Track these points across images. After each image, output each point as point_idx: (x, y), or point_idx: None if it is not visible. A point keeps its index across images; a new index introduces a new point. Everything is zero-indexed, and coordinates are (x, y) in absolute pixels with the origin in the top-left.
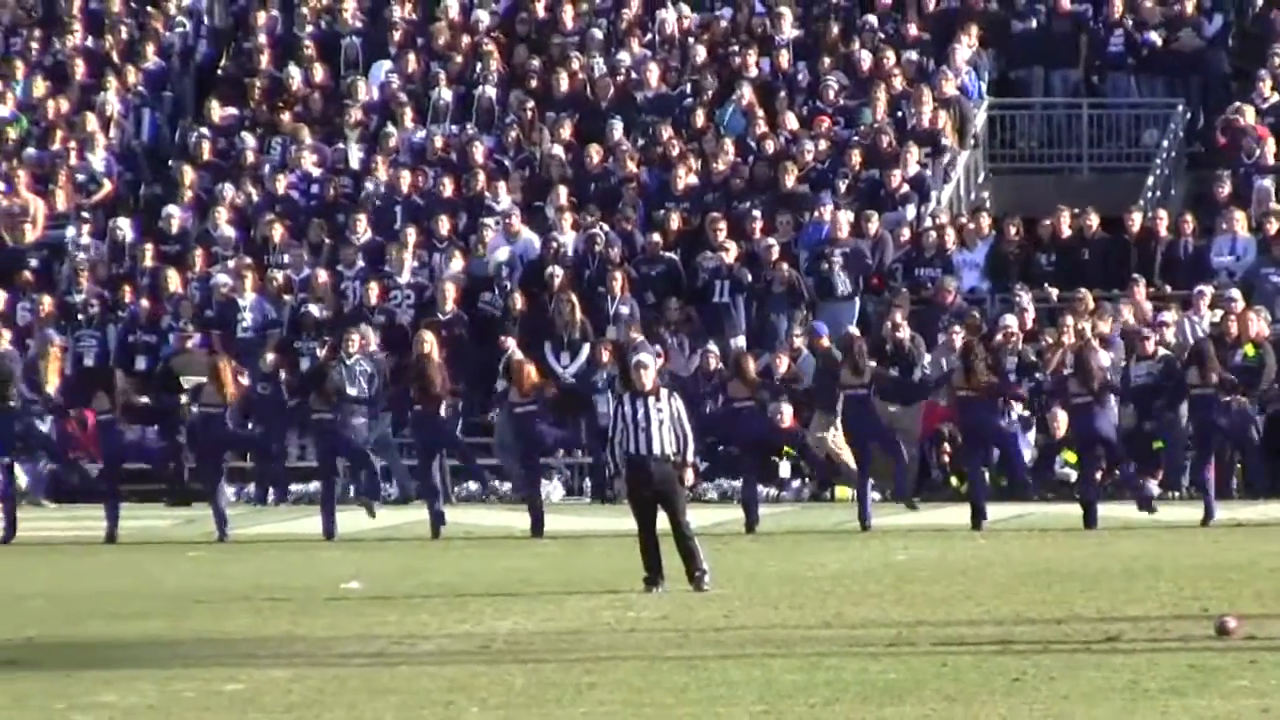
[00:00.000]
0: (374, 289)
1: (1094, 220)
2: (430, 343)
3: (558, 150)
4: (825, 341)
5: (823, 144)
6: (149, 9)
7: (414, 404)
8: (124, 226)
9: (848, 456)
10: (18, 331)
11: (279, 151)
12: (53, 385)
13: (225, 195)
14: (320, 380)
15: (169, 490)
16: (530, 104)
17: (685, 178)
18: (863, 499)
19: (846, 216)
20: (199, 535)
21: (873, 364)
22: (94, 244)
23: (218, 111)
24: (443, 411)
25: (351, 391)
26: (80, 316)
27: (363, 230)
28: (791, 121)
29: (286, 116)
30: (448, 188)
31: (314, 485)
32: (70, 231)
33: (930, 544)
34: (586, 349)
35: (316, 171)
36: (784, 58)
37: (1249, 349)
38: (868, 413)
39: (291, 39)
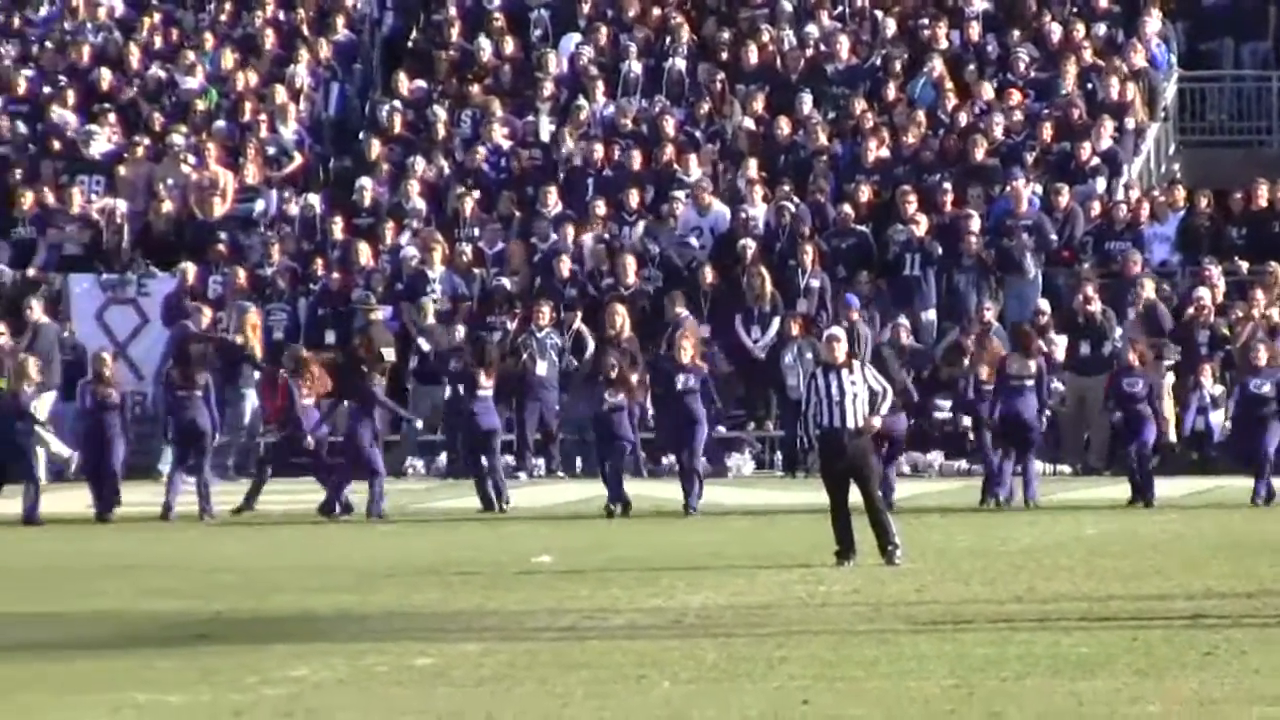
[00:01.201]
0: (565, 262)
1: None
2: (622, 315)
3: (748, 123)
4: (855, 314)
5: (1015, 116)
6: None
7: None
8: (314, 200)
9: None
10: (212, 305)
11: (469, 124)
12: (257, 356)
13: (416, 168)
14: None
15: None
16: (720, 76)
17: (876, 150)
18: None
19: (1032, 190)
20: (390, 509)
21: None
22: (283, 216)
23: (406, 84)
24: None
25: (542, 365)
26: (269, 290)
27: (553, 203)
28: (986, 92)
29: (476, 89)
30: (637, 160)
31: (508, 459)
32: (260, 205)
33: (1120, 518)
34: (777, 322)
35: (507, 144)
36: (974, 30)
37: None
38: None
39: (481, 11)
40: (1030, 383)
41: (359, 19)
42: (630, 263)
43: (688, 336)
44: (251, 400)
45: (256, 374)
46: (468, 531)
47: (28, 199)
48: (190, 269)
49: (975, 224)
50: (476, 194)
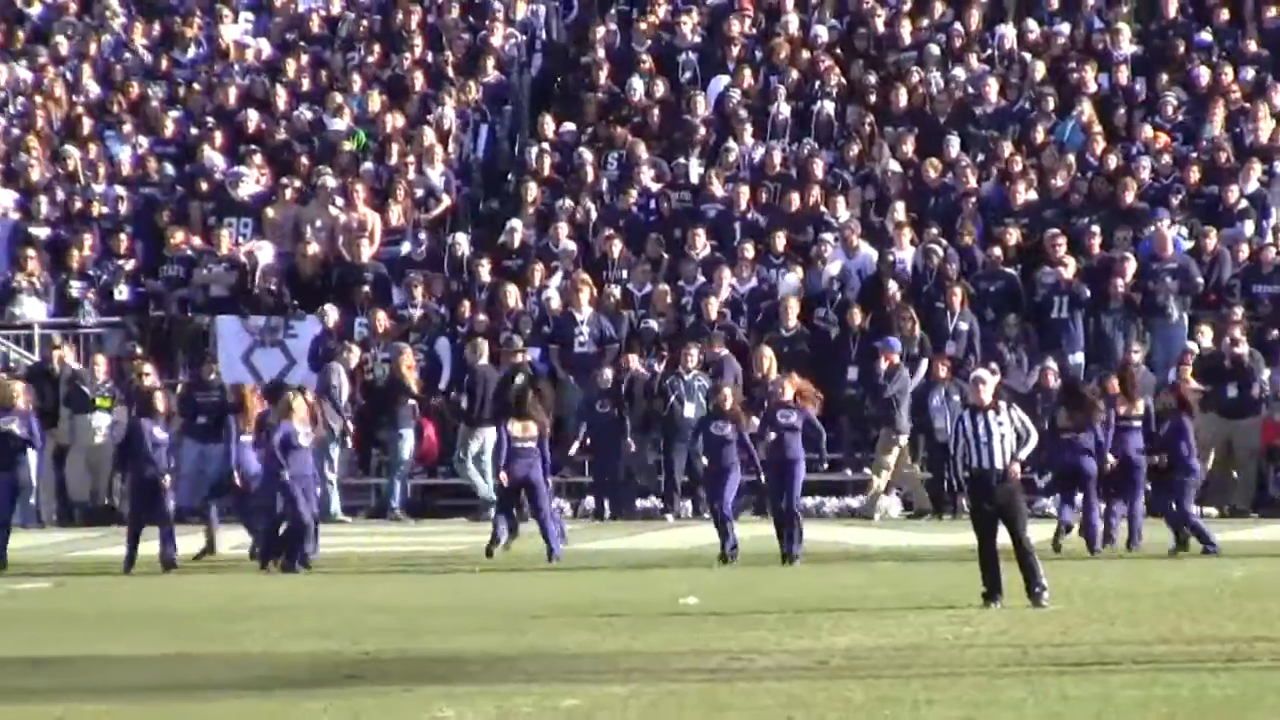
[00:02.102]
0: (713, 304)
1: None
2: (769, 358)
3: (895, 165)
4: (895, 357)
5: (1163, 159)
6: (486, 23)
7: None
8: (461, 241)
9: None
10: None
11: (616, 166)
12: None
13: (564, 210)
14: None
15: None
16: (870, 119)
17: (1024, 193)
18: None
19: (1177, 233)
20: (535, 551)
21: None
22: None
23: (553, 126)
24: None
25: (689, 407)
26: (411, 332)
27: (701, 245)
28: (1138, 134)
29: (621, 131)
30: (789, 203)
31: (654, 501)
32: (407, 247)
33: (1269, 561)
34: (925, 364)
35: (655, 186)
36: (1123, 73)
37: None
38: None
39: (629, 54)
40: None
41: (508, 61)
42: (793, 305)
43: (790, 379)
44: (409, 440)
45: (415, 411)
46: (615, 573)
47: (178, 238)
48: (332, 311)
49: (1130, 266)
50: (623, 237)
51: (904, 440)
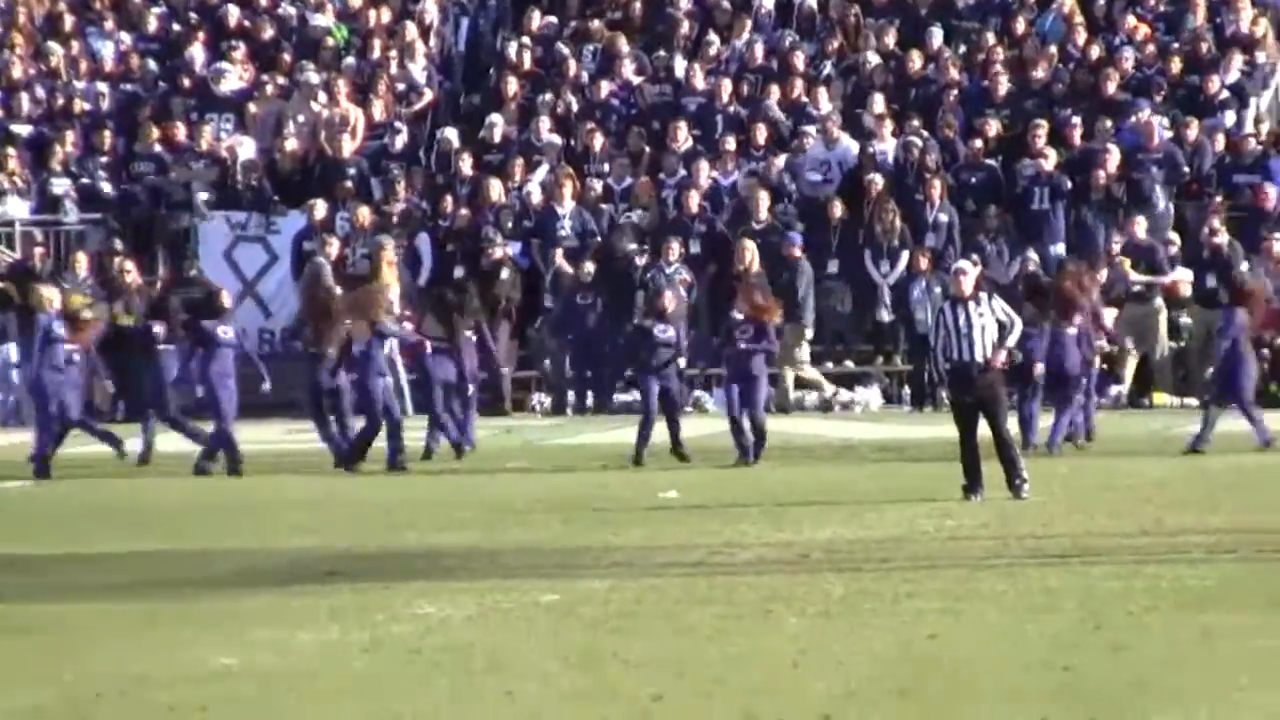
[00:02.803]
0: (693, 197)
1: None
2: (751, 251)
3: (875, 57)
4: (796, 250)
5: (1146, 49)
6: None
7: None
8: (451, 135)
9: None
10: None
11: (595, 60)
12: (395, 291)
13: (545, 104)
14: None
15: (486, 400)
16: (854, 10)
17: (1005, 84)
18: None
19: (1162, 123)
20: (517, 446)
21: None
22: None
23: (537, 20)
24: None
25: (670, 301)
26: (395, 228)
27: (683, 138)
28: (1119, 25)
29: (598, 24)
30: (770, 95)
31: (635, 394)
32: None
33: (1251, 452)
34: (905, 256)
35: (636, 80)
36: None
37: None
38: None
39: None
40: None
41: None
42: (764, 198)
43: (745, 297)
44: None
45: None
46: (594, 468)
47: (153, 135)
48: (320, 206)
49: (1114, 158)
50: (604, 130)
51: (809, 333)
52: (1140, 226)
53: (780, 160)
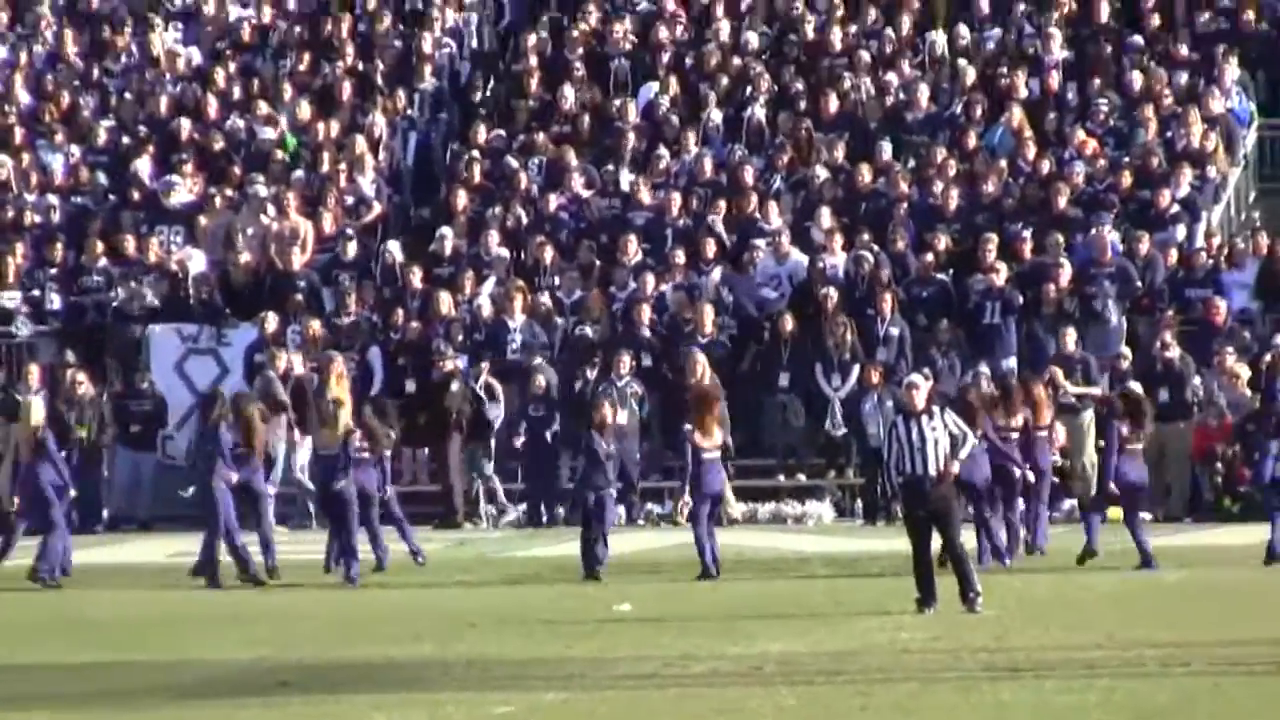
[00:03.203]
0: (645, 311)
1: None
2: (702, 364)
3: (824, 171)
4: (699, 365)
5: (1098, 164)
6: (416, 31)
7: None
8: (394, 249)
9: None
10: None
11: (542, 173)
12: (345, 409)
13: (495, 217)
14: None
15: (440, 513)
16: (805, 125)
17: (956, 199)
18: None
19: (1114, 237)
20: (470, 558)
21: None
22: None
23: (483, 134)
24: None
25: (622, 414)
26: (344, 340)
27: (633, 251)
28: (1070, 139)
29: (542, 138)
30: (719, 209)
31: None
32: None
33: (1204, 567)
34: (856, 370)
35: (586, 193)
36: (1054, 78)
37: None
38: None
39: (560, 61)
40: (1015, 436)
41: (438, 70)
42: (708, 311)
43: (699, 423)
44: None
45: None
46: (548, 581)
47: (98, 249)
48: (271, 318)
49: (1066, 272)
50: (554, 243)
51: None
52: (1070, 338)
53: (717, 274)
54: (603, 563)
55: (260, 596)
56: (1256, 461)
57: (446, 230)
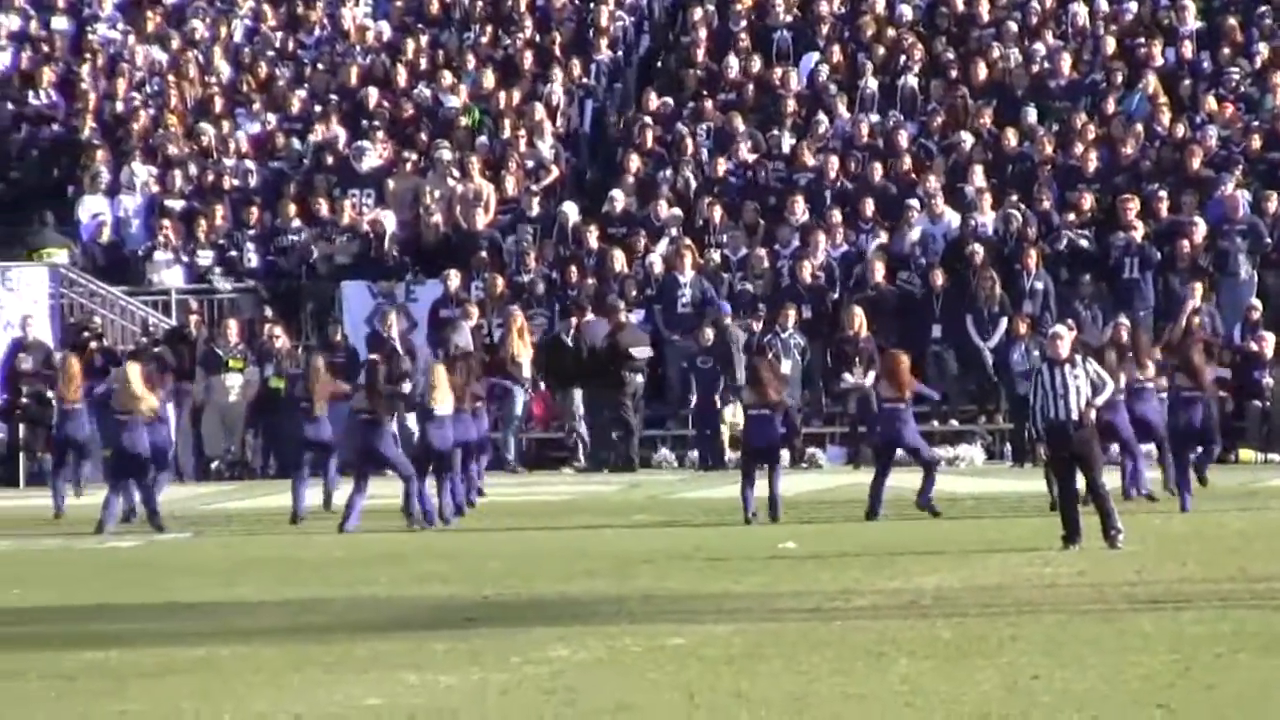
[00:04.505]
0: (806, 266)
1: None
2: (859, 317)
3: (973, 136)
4: (726, 320)
5: (1227, 129)
6: (593, 4)
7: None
8: (570, 210)
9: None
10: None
11: (711, 138)
12: (525, 359)
13: (665, 179)
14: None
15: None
16: (958, 91)
17: (1095, 161)
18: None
19: (1245, 196)
20: (643, 500)
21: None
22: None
23: (654, 102)
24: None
25: (786, 364)
26: (527, 295)
27: (800, 212)
28: (1202, 105)
29: (709, 105)
30: (875, 172)
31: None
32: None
33: None
34: (1005, 322)
35: (751, 157)
36: (1187, 48)
37: None
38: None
39: (727, 33)
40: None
41: (614, 41)
42: (879, 266)
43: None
44: (520, 397)
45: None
46: (718, 521)
47: (292, 211)
48: (454, 276)
49: (1200, 229)
50: (722, 204)
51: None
52: (1198, 292)
53: (916, 232)
54: (777, 511)
55: (446, 536)
56: None
57: (616, 192)
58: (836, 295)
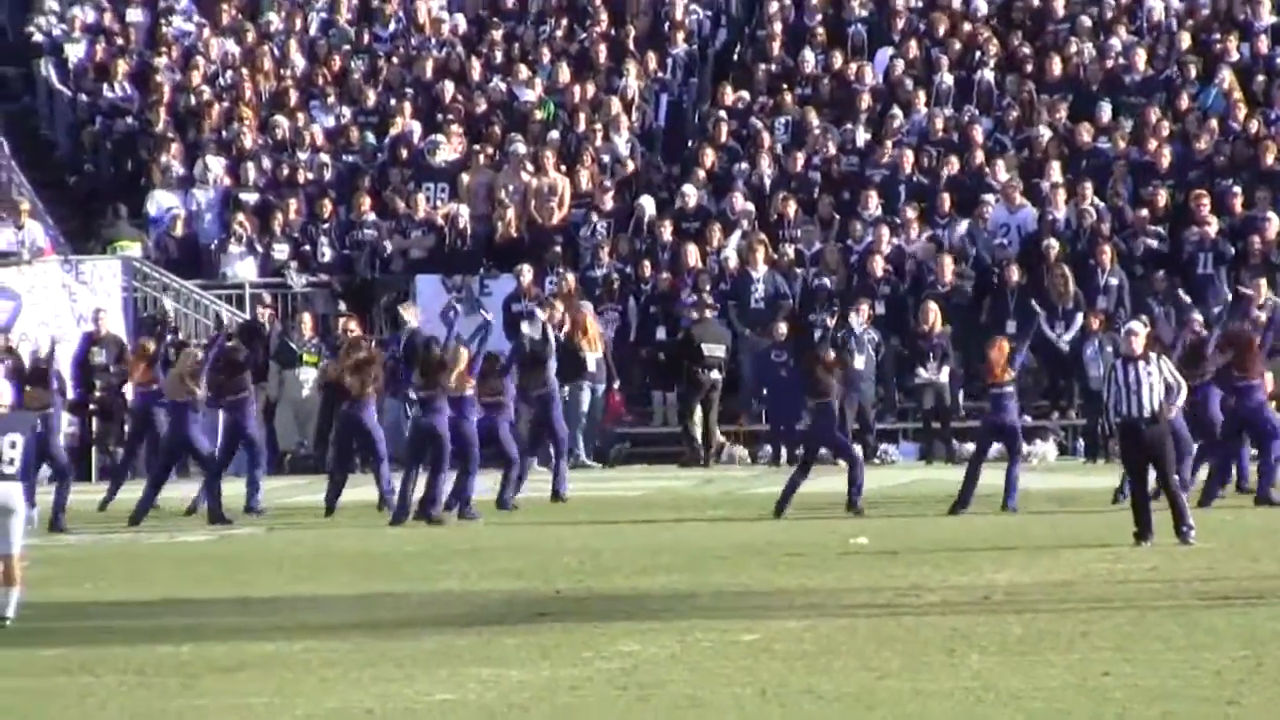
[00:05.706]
0: (879, 261)
1: None
2: (934, 313)
3: (1048, 131)
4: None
5: None
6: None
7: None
8: (646, 204)
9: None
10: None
11: (788, 132)
12: (593, 355)
13: (740, 173)
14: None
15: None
16: (1029, 87)
17: (1169, 156)
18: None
19: None
20: (716, 495)
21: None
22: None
23: (730, 95)
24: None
25: (859, 359)
26: (600, 291)
27: (874, 206)
28: (1277, 101)
29: (789, 99)
30: (950, 166)
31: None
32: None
33: None
34: (1079, 318)
35: (830, 150)
36: (1263, 43)
37: None
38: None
39: (801, 27)
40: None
41: (689, 35)
42: (947, 262)
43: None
44: (586, 393)
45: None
46: (791, 516)
47: (365, 204)
48: (527, 271)
49: (1274, 225)
50: (797, 199)
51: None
52: (1262, 288)
53: (963, 225)
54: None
55: (517, 531)
56: None
57: (689, 187)
58: (907, 289)
